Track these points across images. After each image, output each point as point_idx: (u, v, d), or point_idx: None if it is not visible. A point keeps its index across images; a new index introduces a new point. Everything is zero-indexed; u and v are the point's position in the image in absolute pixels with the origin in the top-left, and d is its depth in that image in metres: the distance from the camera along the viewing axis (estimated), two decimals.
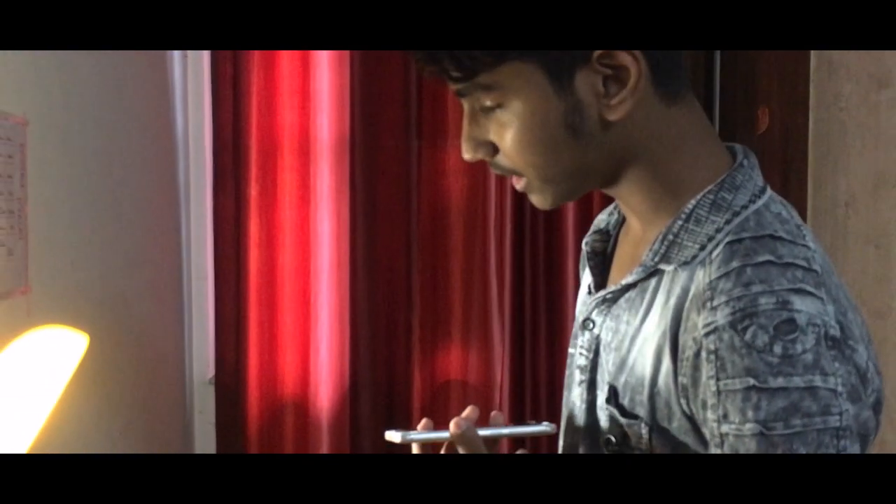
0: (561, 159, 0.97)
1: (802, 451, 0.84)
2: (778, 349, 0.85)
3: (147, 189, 2.52)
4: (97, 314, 2.08)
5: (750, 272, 0.89)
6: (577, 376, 1.08)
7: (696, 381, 0.90)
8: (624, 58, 0.93)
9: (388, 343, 2.84)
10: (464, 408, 2.54)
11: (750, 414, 0.86)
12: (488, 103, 0.97)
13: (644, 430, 0.97)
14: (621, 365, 1.00)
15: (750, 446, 0.86)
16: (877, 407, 0.92)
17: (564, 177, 0.99)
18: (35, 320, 1.67)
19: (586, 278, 1.15)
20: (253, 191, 2.75)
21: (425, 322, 2.82)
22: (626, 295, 1.01)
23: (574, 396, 1.08)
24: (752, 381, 0.85)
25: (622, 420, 0.99)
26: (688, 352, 0.91)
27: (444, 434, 1.08)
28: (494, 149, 1.00)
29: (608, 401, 1.01)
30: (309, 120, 2.76)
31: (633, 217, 1.05)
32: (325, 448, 2.80)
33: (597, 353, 1.05)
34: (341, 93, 2.76)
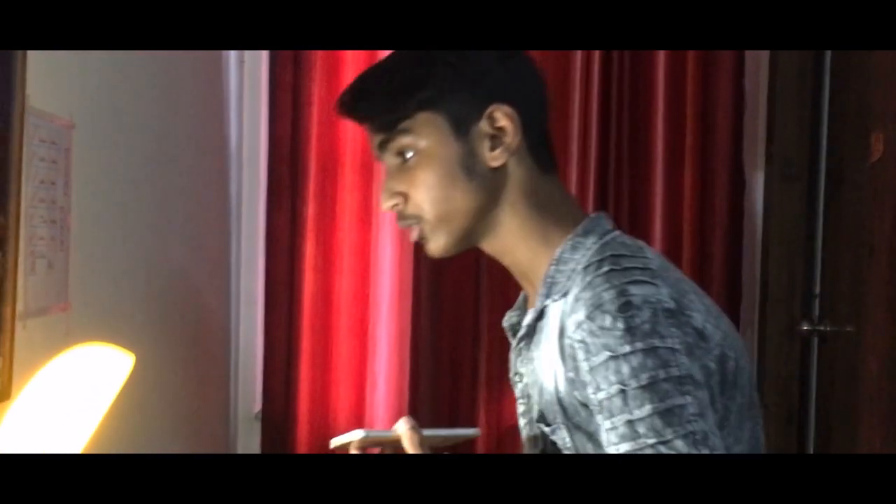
0: (456, 196, 1.25)
1: (655, 399, 1.08)
2: (621, 324, 1.11)
3: (196, 204, 2.34)
4: (137, 339, 1.88)
5: (598, 279, 1.16)
6: (521, 419, 1.39)
7: (577, 370, 1.16)
8: (504, 120, 1.25)
9: (452, 380, 2.63)
10: None
11: (612, 378, 1.11)
12: (402, 152, 1.25)
13: (565, 433, 1.24)
14: (540, 390, 1.27)
15: (616, 403, 1.10)
16: (722, 358, 1.16)
17: (456, 215, 1.25)
18: (73, 340, 1.51)
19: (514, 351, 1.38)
20: (310, 209, 2.56)
21: (493, 358, 2.59)
22: (533, 338, 1.28)
23: (523, 428, 1.38)
24: (608, 353, 1.11)
25: (547, 430, 1.27)
26: (567, 350, 1.18)
27: (389, 433, 1.29)
28: (406, 198, 1.26)
29: (538, 420, 1.29)
30: None
31: (523, 280, 1.33)
32: None
33: (528, 396, 1.33)
34: None
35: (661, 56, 2.56)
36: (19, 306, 1.39)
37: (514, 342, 1.36)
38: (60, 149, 1.55)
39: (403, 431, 1.27)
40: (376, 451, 1.37)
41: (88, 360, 1.21)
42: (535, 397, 1.29)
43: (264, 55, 2.62)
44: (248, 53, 2.61)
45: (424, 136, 1.25)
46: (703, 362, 1.14)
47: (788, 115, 2.46)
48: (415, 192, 1.26)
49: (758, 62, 2.61)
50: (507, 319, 1.41)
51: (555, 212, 1.28)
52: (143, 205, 1.95)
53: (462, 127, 1.25)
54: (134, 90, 1.89)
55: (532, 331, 1.28)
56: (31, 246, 1.45)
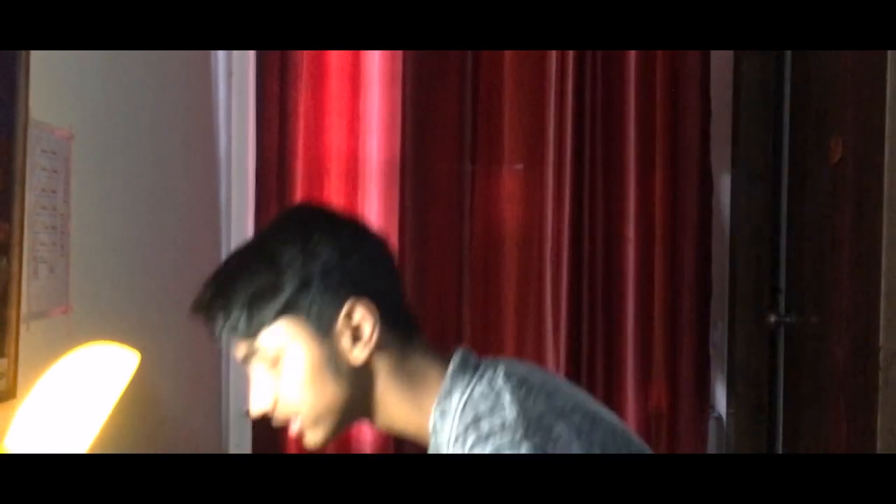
0: (326, 394, 1.27)
1: None
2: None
3: (188, 211, 2.42)
4: (134, 339, 1.96)
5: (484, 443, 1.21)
6: None
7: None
8: (362, 318, 1.26)
9: None
10: None
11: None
12: (269, 357, 1.26)
13: None
14: None
15: None
16: None
17: (331, 411, 1.28)
18: (75, 341, 1.59)
19: None
20: None
21: (475, 349, 2.69)
22: None
23: None
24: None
25: None
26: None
27: None
28: (276, 402, 1.28)
29: None
30: (358, 142, 2.66)
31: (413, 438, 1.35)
32: None
33: None
34: (392, 114, 2.66)
35: (632, 66, 2.67)
36: (23, 309, 1.46)
37: None
38: (60, 158, 1.62)
39: None
40: None
41: (95, 358, 1.26)
42: None
43: (251, 66, 2.69)
44: (235, 64, 2.68)
45: (287, 343, 1.26)
46: None
47: (752, 121, 2.58)
48: (284, 396, 1.28)
49: (722, 71, 2.73)
50: None
51: (424, 374, 1.32)
52: (138, 212, 2.03)
53: (322, 327, 1.27)
54: (129, 101, 1.96)
55: None
56: (34, 251, 1.51)
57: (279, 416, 1.30)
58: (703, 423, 2.73)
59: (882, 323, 2.11)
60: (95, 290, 1.78)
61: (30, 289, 1.49)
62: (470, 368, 1.34)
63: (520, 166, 2.73)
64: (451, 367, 1.33)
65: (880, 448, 2.14)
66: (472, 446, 1.19)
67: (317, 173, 2.66)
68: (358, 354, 1.27)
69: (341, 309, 1.26)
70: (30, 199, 1.49)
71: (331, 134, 2.65)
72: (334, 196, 2.65)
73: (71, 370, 1.21)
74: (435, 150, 2.68)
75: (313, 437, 1.31)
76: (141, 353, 1.98)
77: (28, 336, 1.46)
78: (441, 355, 1.36)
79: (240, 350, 1.30)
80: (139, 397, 1.95)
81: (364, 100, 2.65)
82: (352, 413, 1.31)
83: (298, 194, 2.64)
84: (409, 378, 1.31)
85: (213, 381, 2.68)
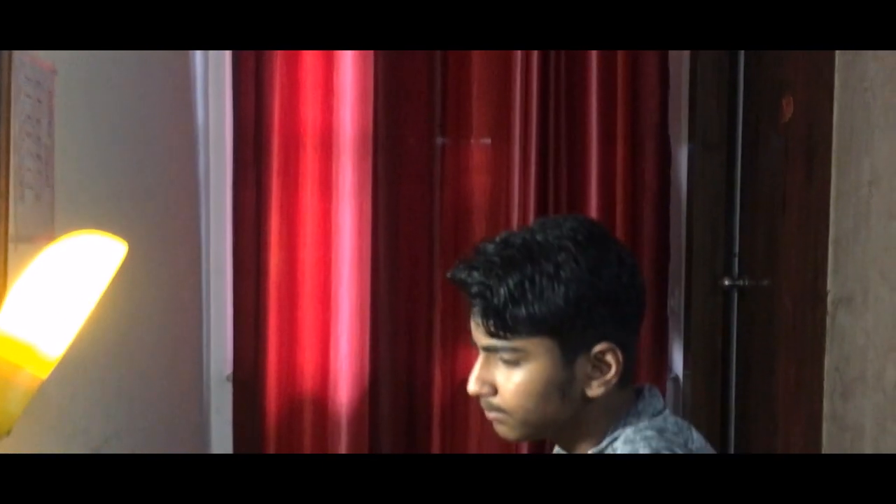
0: (546, 411, 1.32)
1: None
2: None
3: (168, 181, 2.49)
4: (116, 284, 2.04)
5: (639, 437, 1.29)
6: None
7: None
8: (611, 358, 1.31)
9: (409, 340, 2.82)
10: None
11: None
12: (508, 359, 1.30)
13: None
14: None
15: None
16: None
17: (539, 424, 1.33)
18: None
19: None
20: (274, 185, 2.74)
21: (447, 319, 2.80)
22: None
23: None
24: None
25: None
26: None
27: None
28: (494, 390, 1.32)
29: None
30: (332, 115, 2.76)
31: (564, 449, 1.40)
32: (343, 445, 2.76)
33: None
34: (364, 88, 2.76)
35: None
36: (10, 229, 1.48)
37: None
38: (44, 90, 1.65)
39: None
40: None
41: (83, 244, 1.27)
42: None
43: None
44: None
45: (535, 356, 1.29)
46: None
47: (708, 91, 2.71)
48: (508, 393, 1.31)
49: None
50: None
51: (618, 411, 1.36)
52: (121, 164, 2.09)
53: (570, 356, 1.30)
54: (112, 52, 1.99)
55: None
56: (20, 175, 1.53)
57: (490, 404, 1.33)
58: (661, 384, 2.85)
59: (830, 269, 2.24)
60: (80, 225, 1.82)
61: (17, 211, 1.51)
62: (660, 399, 1.39)
63: (487, 140, 2.84)
64: (645, 392, 1.39)
65: (826, 387, 2.28)
66: (649, 438, 1.27)
67: (292, 145, 2.75)
68: (594, 391, 1.32)
69: (596, 344, 1.31)
70: (15, 124, 1.51)
71: (305, 107, 2.75)
72: (309, 164, 2.74)
73: (59, 255, 1.24)
74: (406, 123, 2.79)
75: (509, 434, 1.35)
76: (120, 322, 2.07)
77: (15, 258, 1.49)
78: (633, 391, 1.39)
79: (482, 336, 1.32)
80: (119, 366, 2.05)
81: (337, 74, 2.75)
82: (555, 431, 1.36)
83: (275, 164, 2.73)
84: (610, 412, 1.35)
85: (194, 348, 2.76)
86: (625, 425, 1.34)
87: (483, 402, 1.35)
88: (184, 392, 2.69)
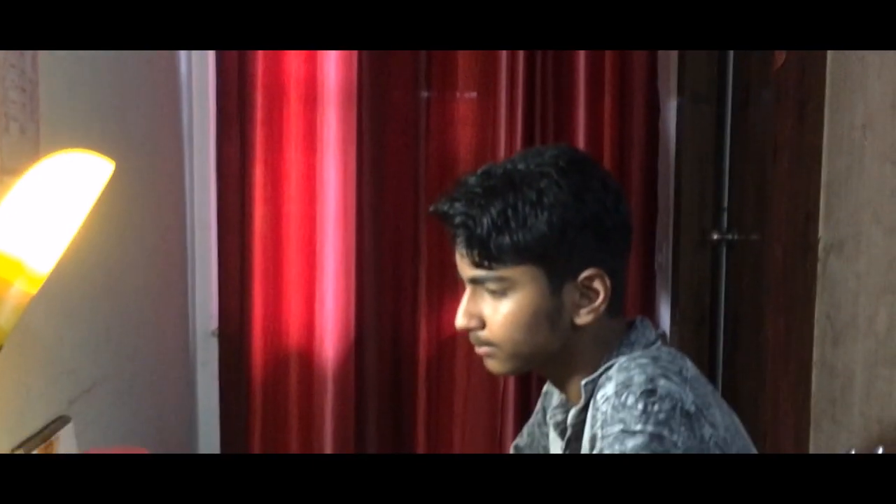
0: (536, 341, 1.31)
1: None
2: (640, 406, 1.18)
3: (151, 132, 2.45)
4: (101, 233, 2.02)
5: (633, 365, 1.24)
6: None
7: (594, 437, 1.22)
8: (598, 284, 1.30)
9: (395, 294, 2.80)
10: (470, 363, 2.67)
11: (616, 447, 1.18)
12: (495, 289, 1.29)
13: None
14: None
15: None
16: None
17: (529, 356, 1.33)
18: None
19: (556, 441, 1.46)
20: (258, 138, 2.71)
21: (432, 274, 2.78)
22: (581, 436, 1.32)
23: None
24: (621, 427, 1.18)
25: None
26: (591, 421, 1.26)
27: None
28: (483, 323, 1.32)
29: None
30: (316, 66, 2.72)
31: (556, 384, 1.41)
32: (329, 400, 2.74)
33: None
34: None
35: None
36: None
37: (562, 443, 1.40)
38: None
39: None
40: None
41: (69, 163, 1.25)
42: None
43: None
44: None
45: (521, 284, 1.29)
46: None
47: None
48: (496, 325, 1.31)
49: None
50: (552, 417, 1.45)
51: (610, 343, 1.34)
52: (105, 106, 2.05)
53: (557, 283, 1.29)
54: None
55: (580, 428, 1.33)
56: (5, 108, 1.51)
57: (479, 338, 1.33)
58: None
59: (821, 214, 2.23)
60: None
61: (1, 144, 1.50)
62: (653, 330, 1.38)
63: (473, 94, 2.82)
64: (636, 322, 1.37)
65: (817, 335, 2.27)
66: (644, 365, 1.23)
67: (276, 97, 2.72)
68: (582, 318, 1.31)
69: (583, 271, 1.29)
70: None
71: (289, 59, 2.71)
72: (293, 117, 2.71)
73: (46, 172, 1.23)
74: (391, 76, 2.76)
75: (499, 368, 1.35)
76: (106, 276, 2.05)
77: (0, 190, 1.44)
78: (625, 322, 1.37)
79: (467, 268, 1.32)
80: (105, 322, 2.03)
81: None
82: (543, 362, 1.35)
83: (259, 117, 2.69)
84: (600, 342, 1.34)
85: (179, 303, 2.73)
86: (618, 355, 1.32)
87: (472, 337, 1.35)
88: (170, 346, 2.66)
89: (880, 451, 1.74)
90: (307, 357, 2.75)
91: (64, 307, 1.81)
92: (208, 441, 2.81)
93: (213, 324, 2.83)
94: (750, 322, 2.56)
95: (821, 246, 2.24)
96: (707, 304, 2.76)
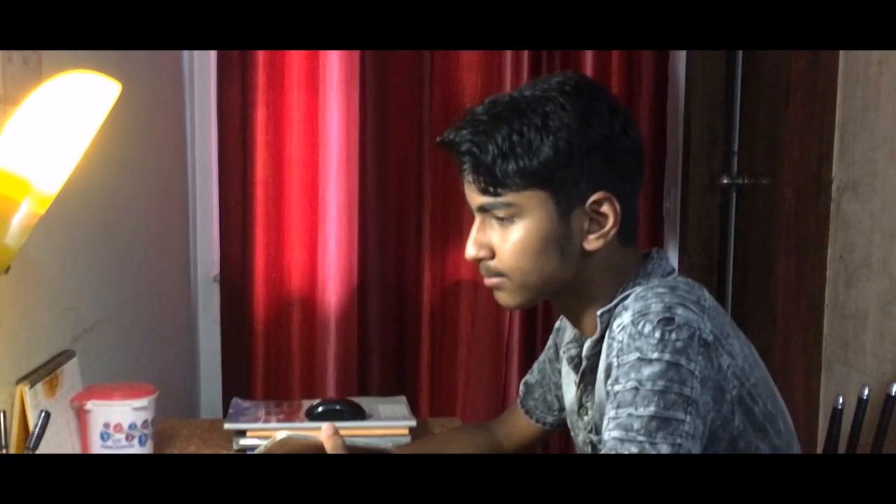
0: (545, 269, 1.30)
1: (661, 405, 1.14)
2: (657, 334, 1.17)
3: (151, 75, 2.40)
4: (104, 175, 1.98)
5: (650, 294, 1.22)
6: (581, 446, 1.44)
7: (610, 366, 1.21)
8: (607, 208, 1.28)
9: (398, 240, 2.76)
10: (475, 309, 2.72)
11: (633, 375, 1.16)
12: (503, 216, 1.28)
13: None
14: (599, 405, 1.30)
15: (627, 397, 1.16)
16: (742, 402, 1.23)
17: (539, 285, 1.31)
18: None
19: (569, 376, 1.45)
20: (259, 80, 2.64)
21: (436, 219, 2.74)
22: (596, 369, 1.32)
23: (580, 442, 1.45)
24: (637, 355, 1.17)
25: (597, 439, 1.33)
26: (606, 351, 1.25)
27: (312, 437, 1.26)
28: (492, 253, 1.30)
29: (590, 431, 1.38)
30: None
31: (575, 319, 1.39)
32: (332, 347, 2.71)
33: (595, 426, 1.35)
34: None
35: None
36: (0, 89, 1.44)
37: (577, 377, 1.40)
38: None
39: (326, 437, 1.25)
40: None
41: (75, 82, 1.22)
42: (598, 420, 1.31)
43: None
44: None
45: (529, 210, 1.27)
46: (711, 400, 1.19)
47: None
48: (505, 253, 1.29)
49: None
50: (566, 352, 1.45)
51: (624, 273, 1.33)
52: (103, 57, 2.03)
53: (566, 208, 1.27)
54: None
55: (595, 360, 1.33)
56: None
57: (489, 267, 1.32)
58: None
59: (835, 154, 2.20)
60: None
61: (5, 73, 1.47)
62: (669, 262, 1.37)
63: None
64: (653, 253, 1.36)
65: (829, 276, 2.25)
66: (661, 294, 1.20)
67: None
68: (591, 244, 1.29)
69: (591, 195, 1.28)
70: None
71: None
72: (295, 58, 2.66)
73: (53, 92, 1.20)
74: None
75: (509, 300, 1.33)
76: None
77: (4, 120, 1.42)
78: (640, 253, 1.36)
79: (475, 196, 1.30)
80: (107, 268, 2.00)
81: None
82: (555, 291, 1.33)
83: (260, 58, 2.64)
84: (615, 272, 1.32)
85: (181, 248, 2.70)
86: (634, 286, 1.30)
87: (482, 267, 1.33)
88: (171, 290, 2.63)
89: (895, 390, 1.71)
90: (309, 303, 2.71)
91: (67, 245, 1.78)
92: (210, 385, 2.79)
93: (215, 269, 2.80)
94: (759, 267, 2.53)
95: (834, 186, 2.22)
96: (716, 249, 2.74)
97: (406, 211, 2.76)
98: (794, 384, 2.28)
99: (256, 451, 1.30)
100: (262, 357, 2.71)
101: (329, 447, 1.25)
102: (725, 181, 2.67)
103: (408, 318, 2.77)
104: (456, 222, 2.74)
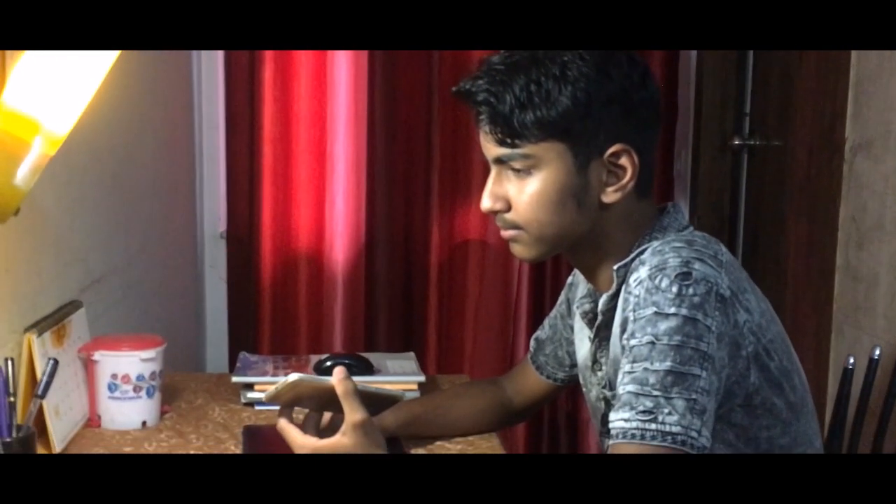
0: (562, 222, 1.28)
1: (676, 359, 1.13)
2: (675, 289, 1.16)
3: None
4: (104, 150, 1.97)
5: (668, 248, 1.21)
6: (594, 402, 1.42)
7: (626, 321, 1.20)
8: (625, 160, 1.27)
9: (406, 198, 2.74)
10: (483, 268, 2.75)
11: (649, 329, 1.16)
12: (520, 168, 1.26)
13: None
14: (613, 360, 1.29)
15: (643, 351, 1.15)
16: (758, 358, 1.22)
17: (556, 238, 1.30)
18: None
19: (582, 331, 1.45)
20: None
21: (445, 178, 2.72)
22: (611, 324, 1.31)
23: (592, 398, 1.44)
24: (654, 309, 1.16)
25: (610, 394, 1.31)
26: (622, 305, 1.24)
27: (323, 379, 1.27)
28: (508, 205, 1.29)
29: (604, 387, 1.36)
30: None
31: (591, 275, 1.38)
32: (339, 305, 2.70)
33: (609, 381, 1.33)
34: None
35: None
36: None
37: (591, 332, 1.39)
38: None
39: (337, 380, 1.26)
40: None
41: None
42: (612, 376, 1.31)
43: None
44: None
45: (546, 162, 1.26)
46: (727, 355, 1.18)
47: None
48: (522, 205, 1.28)
49: None
50: (579, 307, 1.43)
51: (640, 227, 1.31)
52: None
53: (583, 160, 1.26)
54: None
55: (610, 315, 1.32)
56: None
57: (505, 220, 1.31)
58: None
59: (849, 114, 2.18)
60: None
61: None
62: (685, 215, 1.36)
63: None
64: (669, 207, 1.34)
65: (841, 238, 2.23)
66: (678, 248, 1.19)
67: None
68: (609, 197, 1.28)
69: (609, 147, 1.26)
70: None
71: None
72: None
73: None
74: None
75: (525, 253, 1.33)
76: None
77: (12, 62, 1.42)
78: (656, 207, 1.35)
79: (491, 147, 1.29)
80: (114, 222, 1.99)
81: None
82: (572, 246, 1.32)
83: None
84: (632, 227, 1.31)
85: (187, 204, 2.69)
86: (650, 240, 1.29)
87: (498, 220, 1.32)
88: (178, 246, 2.62)
89: None
90: (317, 261, 2.70)
91: (74, 195, 1.77)
92: (217, 342, 2.79)
93: (222, 226, 2.79)
94: (770, 230, 2.52)
95: (847, 146, 2.20)
96: (726, 212, 2.72)
97: (415, 169, 2.74)
98: (805, 347, 2.26)
99: (267, 393, 1.30)
100: (268, 314, 2.71)
101: (340, 391, 1.25)
102: (737, 142, 2.65)
103: (416, 278, 2.76)
104: (465, 181, 2.72)
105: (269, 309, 2.70)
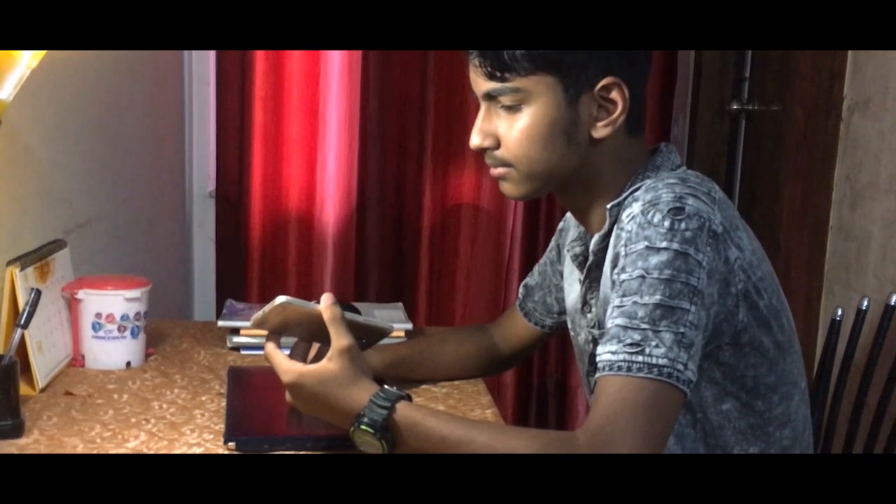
0: (551, 158, 1.27)
1: (666, 293, 1.12)
2: (667, 223, 1.15)
3: None
4: (93, 107, 1.94)
5: (661, 185, 1.19)
6: (582, 345, 1.42)
7: (617, 256, 1.19)
8: (616, 94, 1.26)
9: (399, 159, 2.72)
10: (475, 233, 2.70)
11: (639, 263, 1.14)
12: (510, 104, 1.25)
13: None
14: (603, 301, 1.28)
15: (633, 285, 1.14)
16: (747, 295, 1.21)
17: (546, 174, 1.29)
18: None
19: (572, 275, 1.45)
20: None
21: (438, 140, 2.69)
22: (602, 265, 1.30)
23: (581, 342, 1.43)
24: (645, 244, 1.15)
25: (598, 333, 1.31)
26: (614, 241, 1.23)
27: (311, 304, 1.25)
28: (497, 142, 1.28)
29: (593, 327, 1.35)
30: None
31: (581, 216, 1.37)
32: (329, 266, 2.68)
33: (598, 322, 1.32)
34: None
35: None
36: None
37: (581, 275, 1.38)
38: None
39: (325, 306, 1.24)
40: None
41: None
42: (601, 316, 1.30)
43: None
44: None
45: (536, 96, 1.25)
46: (717, 292, 1.17)
47: None
48: (511, 142, 1.27)
49: None
50: (570, 250, 1.42)
51: (632, 166, 1.30)
52: None
53: (573, 94, 1.25)
54: None
55: (602, 255, 1.31)
56: None
57: (494, 157, 1.30)
58: None
59: (848, 73, 2.16)
60: None
61: None
62: (678, 156, 1.34)
63: None
64: (661, 146, 1.33)
65: (835, 197, 2.21)
66: (672, 185, 1.18)
67: None
68: (600, 132, 1.27)
69: (600, 80, 1.25)
70: None
71: None
72: None
73: None
74: None
75: (514, 191, 1.32)
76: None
77: None
78: (648, 147, 1.34)
79: (481, 81, 1.27)
80: (99, 177, 1.96)
81: None
82: (562, 183, 1.31)
83: None
84: (622, 163, 1.29)
85: (176, 162, 2.66)
86: (643, 178, 1.28)
87: (487, 157, 1.31)
88: (165, 203, 2.58)
89: (895, 299, 1.69)
90: (307, 222, 2.67)
91: (60, 135, 1.75)
92: (204, 302, 2.76)
93: (210, 185, 2.76)
94: (765, 193, 2.50)
95: (845, 105, 2.18)
96: (723, 177, 2.69)
97: (408, 130, 2.71)
98: (795, 308, 2.24)
99: (254, 317, 1.28)
100: (256, 275, 2.68)
101: (327, 316, 1.23)
102: (735, 107, 2.62)
103: (407, 241, 2.74)
104: (459, 143, 2.69)
105: (258, 270, 2.68)
